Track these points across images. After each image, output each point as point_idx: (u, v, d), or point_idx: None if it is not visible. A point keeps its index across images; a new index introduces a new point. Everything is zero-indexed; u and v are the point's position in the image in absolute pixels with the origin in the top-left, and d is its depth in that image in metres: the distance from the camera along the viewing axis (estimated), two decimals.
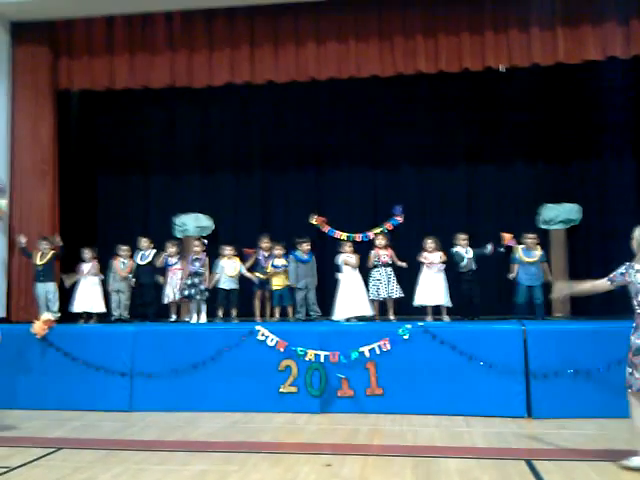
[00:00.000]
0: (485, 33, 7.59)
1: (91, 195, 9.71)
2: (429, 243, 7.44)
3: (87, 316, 7.91)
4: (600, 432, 5.39)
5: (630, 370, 4.40)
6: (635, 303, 4.39)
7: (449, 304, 7.38)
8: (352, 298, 7.38)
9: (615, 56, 7.40)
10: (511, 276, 7.53)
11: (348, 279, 7.50)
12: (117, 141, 9.70)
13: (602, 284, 4.58)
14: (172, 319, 7.96)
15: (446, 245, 7.56)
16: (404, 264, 7.54)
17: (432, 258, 7.40)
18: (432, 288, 7.33)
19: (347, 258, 7.54)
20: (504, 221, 8.69)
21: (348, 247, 7.67)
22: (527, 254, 7.53)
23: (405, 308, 7.66)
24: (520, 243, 7.60)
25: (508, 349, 6.25)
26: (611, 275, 4.53)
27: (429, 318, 7.29)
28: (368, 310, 7.35)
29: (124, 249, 8.00)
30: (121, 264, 7.96)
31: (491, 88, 8.77)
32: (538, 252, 7.54)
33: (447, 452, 5.02)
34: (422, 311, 7.46)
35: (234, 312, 7.80)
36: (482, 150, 9.08)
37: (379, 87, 8.66)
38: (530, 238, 7.56)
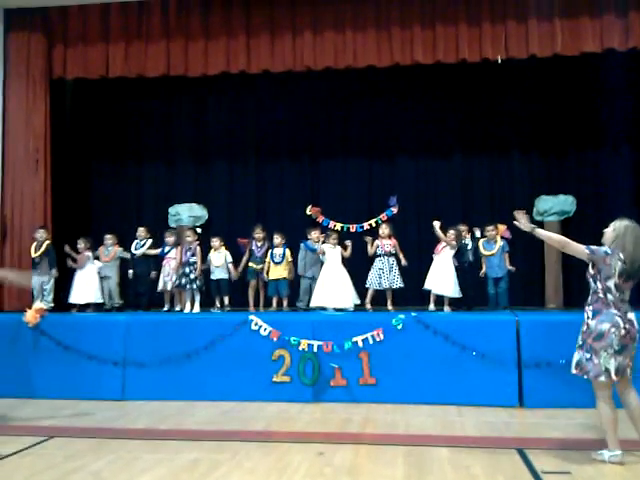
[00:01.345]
0: (483, 24, 7.57)
1: (85, 185, 9.67)
2: (451, 232, 7.35)
3: (81, 305, 7.88)
4: (591, 422, 5.39)
5: (588, 355, 4.30)
6: (600, 287, 4.30)
7: (458, 295, 7.34)
8: (329, 289, 7.30)
9: (613, 48, 7.38)
10: (482, 273, 7.58)
11: (327, 269, 7.45)
12: (111, 130, 9.67)
13: (578, 248, 4.41)
14: (165, 309, 7.95)
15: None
16: (404, 261, 7.51)
17: (448, 246, 7.34)
18: (442, 277, 7.30)
19: (322, 247, 7.52)
20: (499, 212, 8.70)
21: (332, 239, 7.60)
22: (487, 247, 7.54)
23: (403, 298, 7.67)
24: (484, 236, 7.62)
25: (501, 339, 6.26)
26: (592, 247, 4.39)
27: (432, 307, 7.30)
28: (347, 303, 7.27)
29: (108, 237, 8.04)
30: (106, 251, 7.98)
31: (488, 79, 8.76)
32: (499, 244, 7.53)
33: (439, 441, 5.03)
34: (422, 300, 7.43)
35: (226, 301, 7.79)
36: (478, 141, 9.09)
37: (376, 78, 8.65)
38: (489, 230, 7.57)
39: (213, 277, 7.81)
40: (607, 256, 4.32)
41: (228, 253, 7.85)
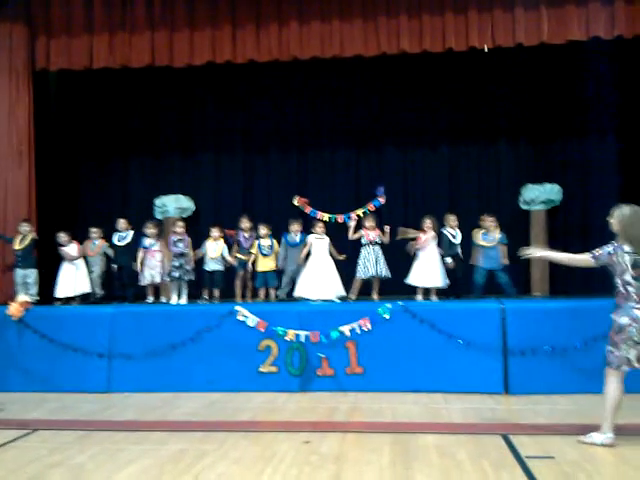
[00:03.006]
0: (469, 13, 7.54)
1: (70, 177, 9.59)
2: (428, 223, 7.37)
3: (67, 298, 7.82)
4: (574, 408, 5.44)
5: (610, 348, 4.36)
6: (619, 282, 4.32)
7: (446, 285, 7.38)
8: (314, 280, 7.31)
9: (599, 36, 7.38)
10: (472, 261, 7.55)
11: (314, 260, 7.45)
12: (97, 122, 9.59)
13: (583, 259, 4.50)
14: (149, 301, 7.89)
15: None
16: (385, 238, 7.52)
17: (429, 237, 7.36)
18: (429, 269, 7.32)
19: (308, 238, 7.54)
20: (486, 201, 8.75)
21: (319, 227, 7.62)
22: (485, 238, 7.52)
23: (390, 289, 7.67)
24: (479, 226, 7.61)
25: (486, 327, 6.27)
26: (596, 252, 4.43)
27: (419, 297, 7.31)
28: (330, 295, 7.25)
29: (94, 231, 8.00)
30: (92, 245, 7.93)
31: (474, 68, 8.75)
32: (497, 235, 7.52)
33: (425, 428, 5.04)
34: (411, 291, 7.44)
35: (216, 294, 7.76)
36: (464, 130, 9.08)
37: (362, 68, 8.63)
38: (489, 221, 7.53)
39: (207, 268, 7.73)
40: (612, 255, 4.35)
41: (225, 246, 7.79)
